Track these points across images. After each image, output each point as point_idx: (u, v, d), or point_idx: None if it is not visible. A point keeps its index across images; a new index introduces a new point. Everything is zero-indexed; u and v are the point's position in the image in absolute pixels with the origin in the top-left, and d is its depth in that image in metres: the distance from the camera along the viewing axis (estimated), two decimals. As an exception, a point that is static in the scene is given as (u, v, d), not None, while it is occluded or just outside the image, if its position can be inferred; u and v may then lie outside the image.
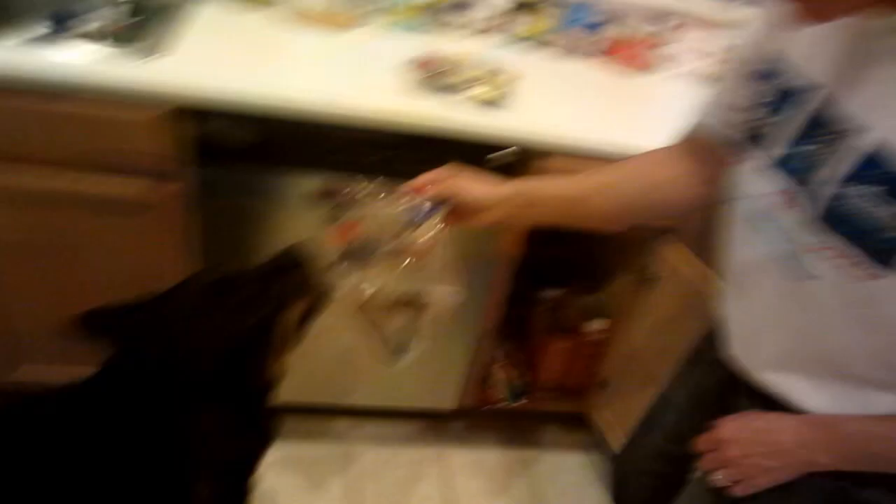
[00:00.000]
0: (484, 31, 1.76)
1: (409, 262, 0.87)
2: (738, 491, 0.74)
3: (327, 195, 0.89)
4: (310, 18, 1.51)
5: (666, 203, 0.87)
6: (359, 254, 0.89)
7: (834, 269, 0.62)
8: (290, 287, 0.93)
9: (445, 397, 1.73)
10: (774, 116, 0.69)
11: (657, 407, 1.04)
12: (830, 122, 0.62)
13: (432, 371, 1.67)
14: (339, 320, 0.89)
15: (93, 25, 1.25)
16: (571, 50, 1.78)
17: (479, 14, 1.73)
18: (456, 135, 1.23)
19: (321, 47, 1.44)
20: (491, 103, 1.27)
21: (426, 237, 0.87)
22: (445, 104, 1.25)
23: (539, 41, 1.76)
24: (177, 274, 1.35)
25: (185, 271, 1.33)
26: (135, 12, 1.29)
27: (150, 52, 1.17)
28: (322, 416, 1.75)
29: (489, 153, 1.26)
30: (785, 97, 0.68)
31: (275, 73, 1.25)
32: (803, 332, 0.68)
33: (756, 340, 0.76)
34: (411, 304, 0.91)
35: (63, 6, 1.48)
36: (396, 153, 1.24)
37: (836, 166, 0.61)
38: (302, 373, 1.56)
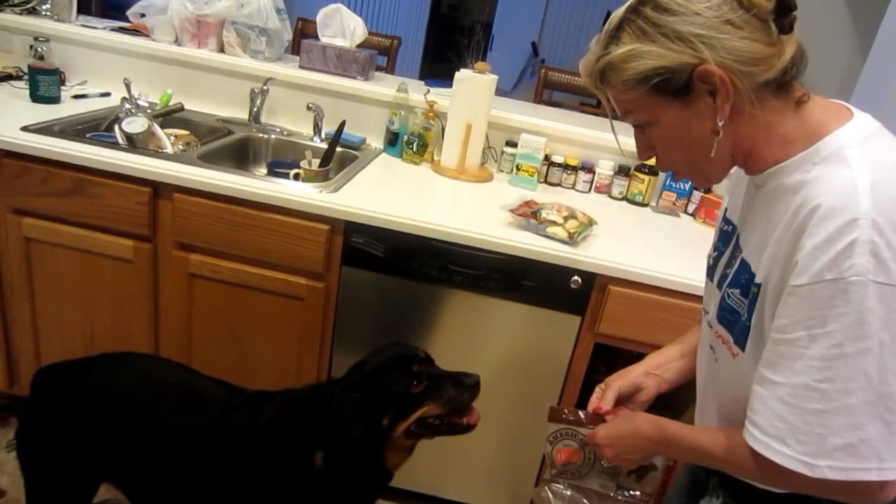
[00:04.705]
0: (590, 189, 2.11)
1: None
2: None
3: (555, 416, 1.09)
4: (451, 171, 2.00)
5: None
6: (574, 474, 1.10)
7: (724, 352, 0.84)
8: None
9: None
10: (718, 251, 0.93)
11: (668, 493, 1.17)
12: (736, 251, 0.86)
13: (507, 477, 1.83)
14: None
15: (296, 170, 1.80)
16: (662, 209, 2.05)
17: (584, 176, 2.10)
18: (535, 259, 1.56)
19: (452, 192, 1.90)
20: (566, 240, 1.57)
21: (648, 491, 1.09)
22: (530, 237, 1.58)
23: (635, 201, 2.06)
24: (314, 351, 1.76)
25: (320, 351, 1.72)
26: (324, 162, 1.84)
27: (331, 188, 1.68)
28: (411, 501, 1.94)
29: (561, 277, 1.56)
30: (723, 237, 0.92)
31: (413, 207, 1.68)
32: (713, 393, 0.92)
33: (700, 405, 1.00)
34: None
35: (278, 157, 2.12)
36: (493, 272, 1.59)
37: (727, 277, 0.85)
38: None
